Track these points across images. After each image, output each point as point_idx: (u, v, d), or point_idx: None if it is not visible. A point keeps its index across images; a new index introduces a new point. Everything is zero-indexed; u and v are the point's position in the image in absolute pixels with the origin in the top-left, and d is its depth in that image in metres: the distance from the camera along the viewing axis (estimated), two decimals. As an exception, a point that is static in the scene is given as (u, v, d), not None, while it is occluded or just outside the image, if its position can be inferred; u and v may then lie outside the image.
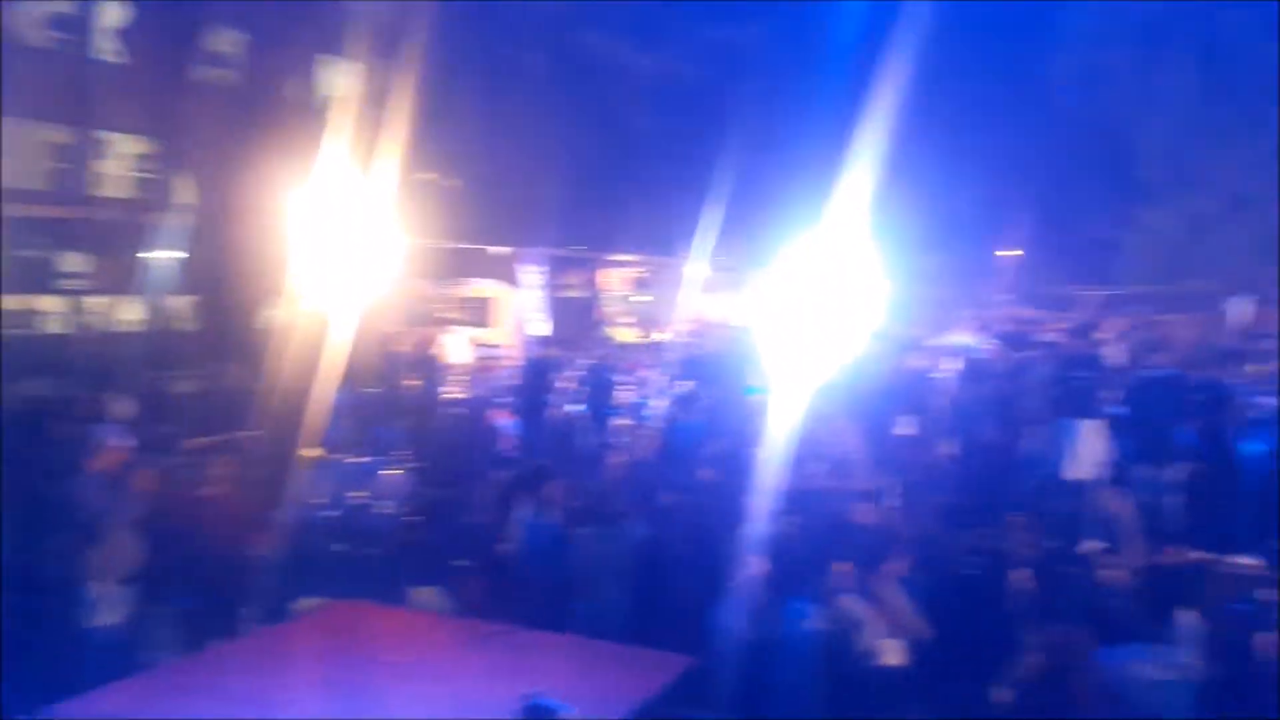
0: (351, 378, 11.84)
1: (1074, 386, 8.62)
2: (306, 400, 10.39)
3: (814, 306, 10.75)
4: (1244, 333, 16.51)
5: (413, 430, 11.21)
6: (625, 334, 22.76)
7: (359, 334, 11.46)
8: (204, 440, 10.17)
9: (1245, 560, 7.83)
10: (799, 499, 6.99)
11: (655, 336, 20.73)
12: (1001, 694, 3.73)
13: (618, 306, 25.29)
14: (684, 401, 11.69)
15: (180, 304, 17.86)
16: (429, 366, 12.42)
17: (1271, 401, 10.90)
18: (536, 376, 11.48)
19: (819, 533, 6.29)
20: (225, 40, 18.00)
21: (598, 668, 4.19)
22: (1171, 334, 15.82)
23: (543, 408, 11.26)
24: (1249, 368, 9.79)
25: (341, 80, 18.24)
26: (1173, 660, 4.16)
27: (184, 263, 16.80)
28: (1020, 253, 23.57)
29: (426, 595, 5.88)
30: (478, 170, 20.28)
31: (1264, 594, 5.92)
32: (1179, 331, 18.61)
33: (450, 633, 4.65)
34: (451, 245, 17.91)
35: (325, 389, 10.69)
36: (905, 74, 16.21)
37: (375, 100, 16.18)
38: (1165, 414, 8.37)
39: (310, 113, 17.37)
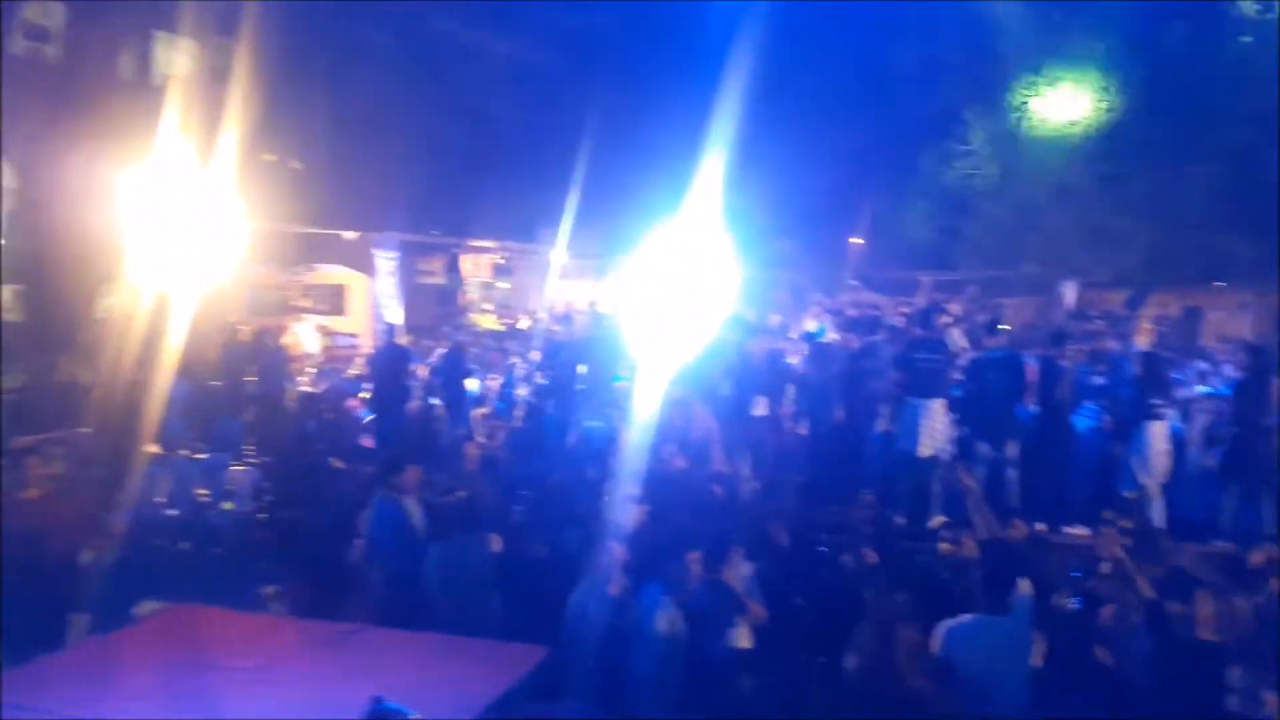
0: (190, 370, 11.31)
1: (918, 368, 8.96)
2: (142, 394, 9.89)
3: (672, 292, 10.87)
4: (1073, 314, 17.60)
5: (259, 423, 10.80)
6: (487, 321, 22.53)
7: (198, 323, 10.97)
8: (30, 438, 9.53)
9: (1077, 530, 8.35)
10: (658, 484, 7.05)
11: (518, 323, 20.61)
12: (842, 668, 3.84)
13: (479, 293, 24.99)
14: (545, 388, 11.64)
15: (3, 294, 16.68)
16: (276, 356, 11.96)
17: (1099, 379, 11.64)
18: (391, 365, 11.19)
19: (676, 517, 6.35)
20: (47, 11, 16.80)
21: (452, 663, 4.10)
22: (1007, 316, 16.70)
23: (399, 398, 10.99)
24: (1079, 347, 10.33)
25: (178, 57, 17.30)
26: (1010, 629, 4.34)
27: (6, 250, 15.69)
28: (862, 240, 24.41)
29: (274, 595, 5.65)
30: (325, 153, 19.60)
31: (1093, 562, 6.31)
32: (1014, 314, 19.65)
33: (298, 634, 4.46)
34: (299, 230, 17.22)
35: (162, 382, 10.19)
36: (757, 65, 16.53)
37: (214, 78, 15.47)
38: (1002, 393, 8.78)
39: (144, 91, 16.43)
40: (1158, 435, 8.41)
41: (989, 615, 4.33)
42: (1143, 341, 14.96)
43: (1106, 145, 19.11)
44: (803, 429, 10.33)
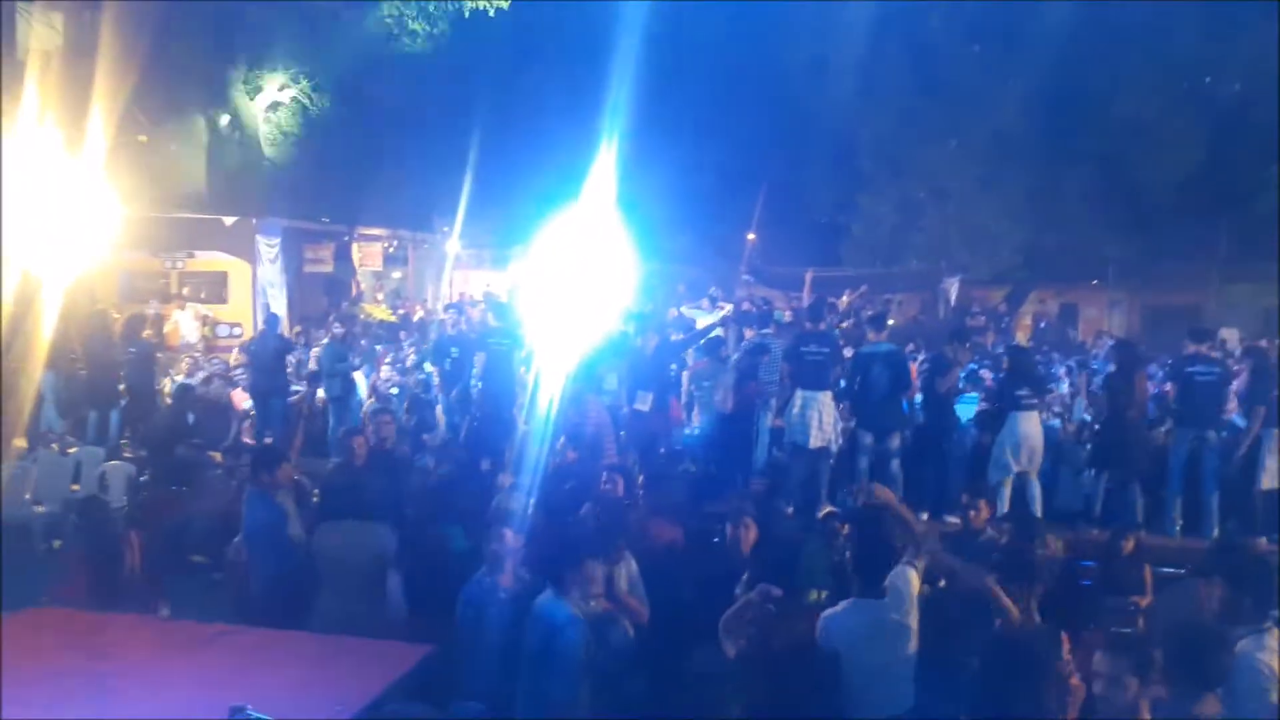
0: (60, 360, 10.75)
1: (806, 360, 9.09)
2: (7, 386, 9.37)
3: (569, 283, 10.77)
4: (956, 309, 18.19)
5: (132, 416, 10.32)
6: (379, 311, 22.08)
7: (68, 311, 10.44)
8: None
9: (951, 519, 8.57)
10: (551, 477, 6.96)
11: (414, 314, 20.26)
12: (728, 665, 3.82)
13: (371, 283, 24.43)
14: (440, 380, 11.37)
15: None
16: (147, 346, 11.39)
17: (984, 372, 12.00)
18: (271, 356, 10.79)
19: (568, 511, 6.27)
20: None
21: (327, 664, 3.94)
22: (893, 311, 17.14)
23: (279, 389, 10.62)
24: (963, 341, 10.56)
25: (42, 29, 16.40)
26: (886, 611, 4.37)
27: None
28: (754, 236, 24.74)
29: (143, 596, 5.35)
30: (203, 134, 18.85)
31: (970, 548, 6.45)
32: (900, 309, 20.20)
33: (162, 636, 4.23)
34: (176, 215, 16.45)
35: (29, 373, 9.66)
36: (653, 56, 16.56)
37: (81, 52, 14.75)
38: (887, 386, 8.95)
39: (5, 65, 15.53)
40: (1030, 425, 8.68)
41: (863, 599, 4.35)
42: (1021, 337, 15.53)
43: (984, 149, 19.83)
44: (696, 421, 10.39)
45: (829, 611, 4.44)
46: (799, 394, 9.04)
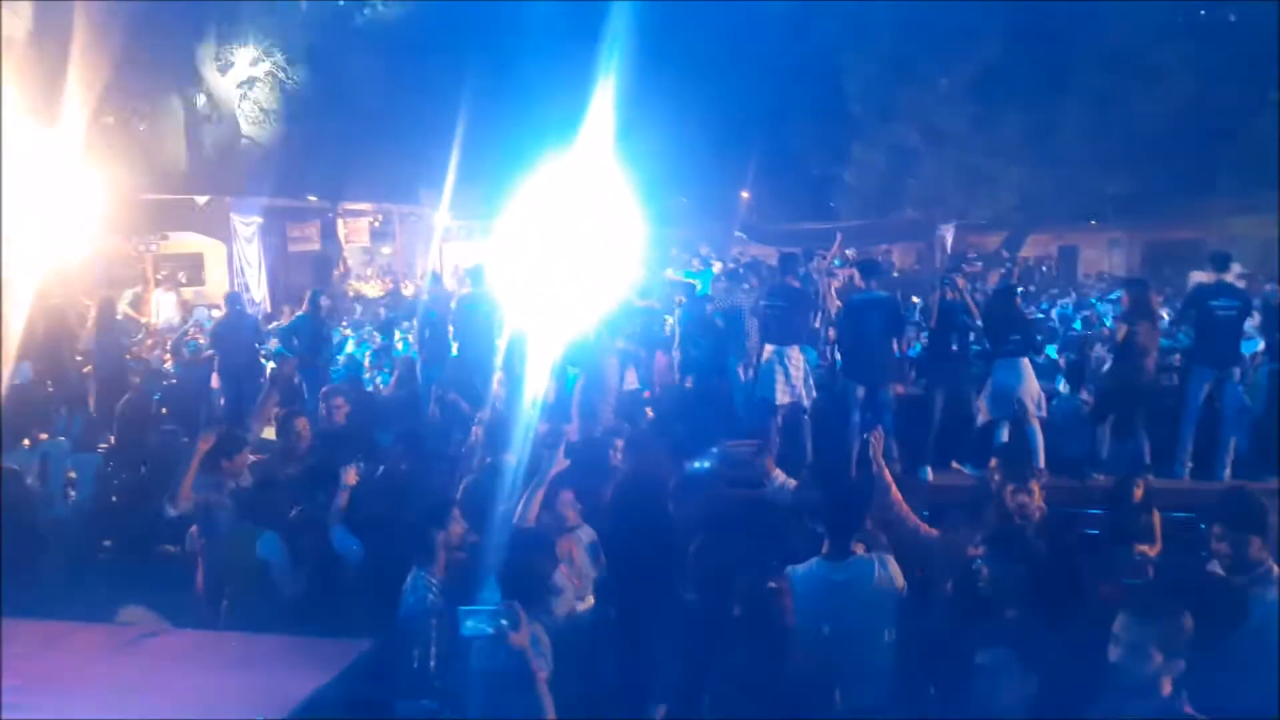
0: (35, 350, 10.42)
1: (771, 314, 8.80)
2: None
3: (558, 253, 10.39)
4: (952, 256, 17.77)
5: (100, 404, 9.99)
6: (368, 288, 21.82)
7: (43, 300, 10.20)
8: None
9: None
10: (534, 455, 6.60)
11: (403, 289, 19.96)
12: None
13: (359, 258, 24.09)
14: (424, 355, 11.00)
15: None
16: (112, 331, 11.00)
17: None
18: (239, 336, 10.43)
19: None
20: None
21: (260, 664, 3.64)
22: (888, 260, 16.74)
23: (249, 372, 10.26)
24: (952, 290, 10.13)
25: (5, 15, 15.98)
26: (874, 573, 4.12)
27: None
28: (748, 194, 24.27)
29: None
30: (180, 115, 18.44)
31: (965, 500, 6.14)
32: (897, 258, 19.80)
33: (80, 641, 3.89)
34: (148, 196, 16.00)
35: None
36: (639, 18, 16.08)
37: (50, 36, 14.43)
38: (877, 335, 8.58)
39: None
40: (1008, 373, 8.29)
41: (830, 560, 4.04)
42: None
43: (976, 88, 19.29)
44: (688, 382, 10.07)
45: (798, 569, 4.15)
46: (766, 348, 8.74)
